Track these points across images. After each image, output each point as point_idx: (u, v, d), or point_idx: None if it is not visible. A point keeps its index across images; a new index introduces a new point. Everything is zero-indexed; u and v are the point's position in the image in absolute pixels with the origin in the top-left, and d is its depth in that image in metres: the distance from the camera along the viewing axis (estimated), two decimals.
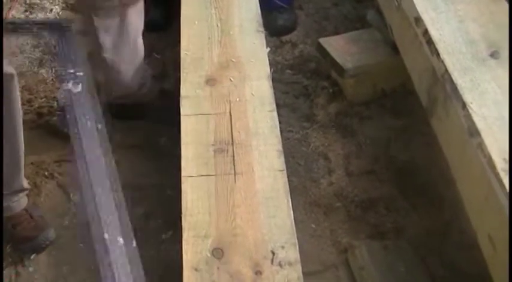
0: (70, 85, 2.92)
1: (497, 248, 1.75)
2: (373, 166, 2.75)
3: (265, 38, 2.43)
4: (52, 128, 2.93)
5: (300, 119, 2.96)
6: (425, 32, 2.22)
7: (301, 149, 2.83)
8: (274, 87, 2.23)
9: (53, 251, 2.51)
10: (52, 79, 3.16)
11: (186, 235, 1.78)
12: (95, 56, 2.69)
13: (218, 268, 1.70)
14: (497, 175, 1.71)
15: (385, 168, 2.73)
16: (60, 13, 3.56)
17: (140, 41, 2.70)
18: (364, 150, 2.82)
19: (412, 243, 2.42)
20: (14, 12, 3.58)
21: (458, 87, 1.99)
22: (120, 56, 2.64)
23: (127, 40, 2.63)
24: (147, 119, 2.95)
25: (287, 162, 1.99)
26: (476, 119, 1.87)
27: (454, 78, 2.02)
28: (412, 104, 2.58)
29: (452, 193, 2.15)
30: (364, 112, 2.97)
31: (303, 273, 1.71)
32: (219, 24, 2.45)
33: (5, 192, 2.42)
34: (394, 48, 2.73)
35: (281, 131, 2.08)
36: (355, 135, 2.87)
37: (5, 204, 2.46)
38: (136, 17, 2.62)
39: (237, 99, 2.15)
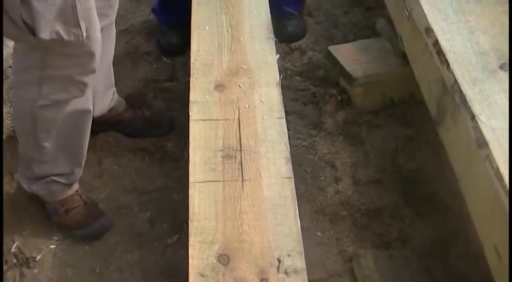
0: None
1: (503, 258, 1.75)
2: (380, 175, 2.75)
3: (275, 44, 2.43)
4: None
5: (308, 127, 2.96)
6: (436, 43, 2.22)
7: (308, 156, 2.83)
8: (283, 94, 2.23)
9: (58, 253, 2.52)
10: None
11: (192, 240, 1.78)
12: None
13: (224, 274, 1.70)
14: (504, 187, 1.71)
15: (391, 178, 2.73)
16: None
17: (111, 66, 2.74)
18: (372, 159, 2.82)
19: (417, 252, 2.42)
20: None
21: (468, 99, 1.98)
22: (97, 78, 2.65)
23: (104, 62, 2.63)
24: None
25: (294, 169, 1.98)
26: (484, 130, 1.87)
27: (463, 89, 2.02)
28: (420, 114, 2.58)
29: (459, 203, 2.15)
30: (372, 121, 2.97)
31: (308, 281, 1.71)
32: (229, 30, 2.45)
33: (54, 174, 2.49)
34: (404, 58, 2.74)
35: (289, 138, 2.07)
36: (363, 144, 2.87)
37: (56, 187, 2.52)
38: (111, 42, 2.64)
39: (246, 106, 2.15)
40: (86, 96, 2.33)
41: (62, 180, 2.52)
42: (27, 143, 2.44)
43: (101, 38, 2.43)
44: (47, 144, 2.38)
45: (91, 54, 2.18)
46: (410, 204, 2.62)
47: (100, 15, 2.38)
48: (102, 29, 2.45)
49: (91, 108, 2.40)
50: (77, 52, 2.16)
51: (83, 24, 2.07)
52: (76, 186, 2.59)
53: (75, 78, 2.23)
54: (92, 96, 2.41)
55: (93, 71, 2.25)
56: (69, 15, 2.03)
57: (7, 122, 2.84)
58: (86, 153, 2.51)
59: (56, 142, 2.39)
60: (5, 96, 2.81)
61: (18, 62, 2.33)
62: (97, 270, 2.46)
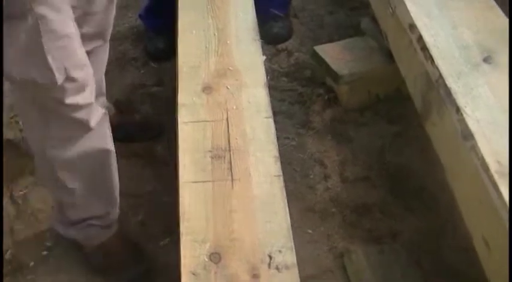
0: None
1: (491, 249, 1.77)
2: (368, 172, 2.77)
3: (261, 46, 2.45)
4: None
5: (296, 126, 2.99)
6: (420, 38, 2.24)
7: (297, 155, 2.85)
8: (270, 95, 2.24)
9: (51, 258, 2.53)
10: None
11: (183, 240, 1.78)
12: None
13: (216, 272, 1.70)
14: (491, 177, 1.73)
15: (380, 174, 2.76)
16: None
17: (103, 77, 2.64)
18: (360, 156, 2.84)
19: (408, 246, 2.44)
20: None
21: (452, 92, 2.01)
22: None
23: (98, 73, 2.60)
24: None
25: (283, 168, 1.99)
26: (470, 122, 1.90)
27: (448, 83, 2.05)
28: (406, 109, 2.60)
29: (447, 196, 2.17)
30: (359, 118, 3.00)
31: (300, 277, 1.72)
32: (215, 33, 2.46)
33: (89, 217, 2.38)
34: (389, 55, 2.76)
35: (277, 138, 2.08)
36: (351, 142, 2.90)
37: (93, 231, 2.41)
38: (105, 54, 2.54)
39: (234, 107, 2.16)
40: (97, 134, 2.19)
41: (99, 222, 2.41)
42: (55, 188, 2.34)
43: (96, 52, 2.33)
44: (73, 186, 2.26)
45: (77, 98, 2.03)
46: (399, 199, 2.64)
47: (96, 38, 2.28)
48: (98, 47, 2.35)
49: (109, 147, 2.27)
50: (61, 96, 2.00)
51: (56, 65, 1.88)
52: (115, 227, 2.47)
53: (71, 116, 2.08)
54: (109, 135, 2.29)
55: (88, 105, 2.10)
56: (38, 55, 1.86)
57: None
58: (118, 194, 2.40)
59: (82, 184, 2.28)
60: None
61: (19, 102, 2.21)
62: (91, 274, 2.48)
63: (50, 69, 1.88)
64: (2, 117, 2.17)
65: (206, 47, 2.40)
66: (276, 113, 2.54)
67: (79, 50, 1.99)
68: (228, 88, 2.23)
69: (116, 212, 2.43)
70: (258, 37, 2.46)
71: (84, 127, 2.14)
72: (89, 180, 2.29)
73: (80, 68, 2.00)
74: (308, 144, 2.91)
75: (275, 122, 2.14)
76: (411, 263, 2.36)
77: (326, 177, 2.75)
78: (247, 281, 1.69)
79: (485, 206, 1.77)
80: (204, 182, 1.94)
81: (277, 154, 2.02)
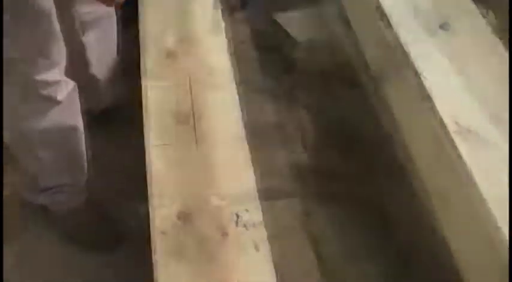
0: None
1: (448, 204, 1.86)
2: (329, 137, 2.82)
3: (221, 14, 2.48)
4: None
5: (256, 93, 3.02)
6: (378, 6, 2.30)
7: (258, 122, 2.88)
8: (230, 63, 2.28)
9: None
10: None
11: (152, 201, 1.84)
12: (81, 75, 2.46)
13: (185, 231, 1.76)
14: (448, 135, 1.82)
15: (340, 139, 2.80)
16: None
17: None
18: (320, 122, 2.89)
19: (368, 207, 2.50)
20: None
21: (411, 57, 2.08)
22: (105, 66, 2.62)
23: (109, 51, 2.62)
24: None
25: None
26: (427, 85, 1.98)
27: (406, 48, 2.12)
28: (365, 76, 2.64)
29: (403, 157, 2.23)
30: (318, 84, 3.03)
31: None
32: (177, 1, 2.49)
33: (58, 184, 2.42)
34: (347, 22, 2.81)
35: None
36: (311, 108, 2.94)
37: (61, 197, 2.44)
38: (114, 27, 2.59)
39: (197, 72, 2.20)
40: (65, 106, 2.19)
41: (67, 189, 2.44)
42: (24, 157, 2.35)
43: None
44: (42, 156, 2.29)
45: (46, 75, 2.06)
46: (359, 162, 2.69)
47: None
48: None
49: (77, 121, 2.30)
50: (31, 71, 2.02)
51: (31, 40, 1.94)
52: (84, 194, 2.50)
53: (39, 92, 2.10)
54: (78, 108, 2.30)
55: (56, 82, 2.12)
56: (13, 30, 1.87)
57: None
58: (86, 162, 2.42)
59: (50, 154, 2.30)
60: None
61: None
62: (60, 240, 2.50)
63: (25, 44, 1.92)
64: (1, 117, 2.15)
65: (167, 15, 2.43)
66: (236, 81, 2.57)
67: (55, 26, 1.99)
68: (190, 54, 2.27)
69: (84, 179, 2.46)
70: (218, 5, 2.50)
71: (51, 101, 2.15)
72: (57, 150, 2.31)
73: (54, 44, 2.02)
74: (269, 111, 2.95)
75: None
76: (372, 223, 2.43)
77: (287, 143, 2.80)
78: (216, 239, 1.75)
79: (443, 163, 1.85)
80: (169, 144, 1.98)
81: (239, 118, 2.07)
